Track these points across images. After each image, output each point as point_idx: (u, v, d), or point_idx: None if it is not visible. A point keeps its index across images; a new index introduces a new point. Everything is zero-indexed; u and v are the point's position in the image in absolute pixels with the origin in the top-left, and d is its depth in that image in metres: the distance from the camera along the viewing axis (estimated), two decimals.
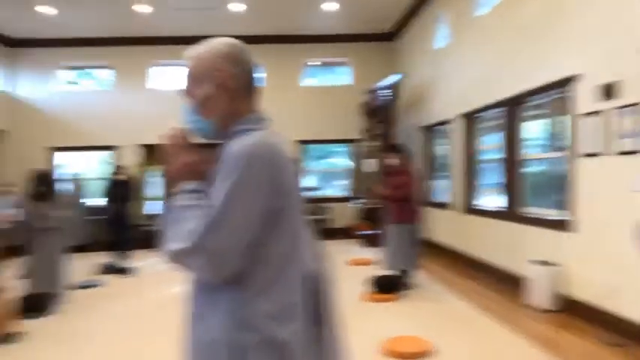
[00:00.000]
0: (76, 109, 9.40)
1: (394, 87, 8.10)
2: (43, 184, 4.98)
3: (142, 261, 7.31)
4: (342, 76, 10.24)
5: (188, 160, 1.20)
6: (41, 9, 7.71)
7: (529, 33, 4.90)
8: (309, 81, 10.07)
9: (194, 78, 1.24)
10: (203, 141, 1.28)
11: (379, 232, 5.37)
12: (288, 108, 9.34)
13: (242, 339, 1.09)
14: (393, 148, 5.40)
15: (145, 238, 8.46)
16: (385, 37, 9.79)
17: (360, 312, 4.41)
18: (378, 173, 8.09)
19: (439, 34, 7.79)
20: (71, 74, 9.92)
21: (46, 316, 4.62)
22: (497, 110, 5.68)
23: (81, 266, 6.86)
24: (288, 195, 1.14)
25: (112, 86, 9.62)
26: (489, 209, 5.90)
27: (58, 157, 9.46)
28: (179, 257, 1.07)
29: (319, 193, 9.63)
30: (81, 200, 8.52)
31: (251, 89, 1.25)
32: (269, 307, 1.11)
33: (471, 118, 6.38)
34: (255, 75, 1.26)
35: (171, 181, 1.21)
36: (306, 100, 9.66)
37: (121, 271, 6.62)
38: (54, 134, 9.27)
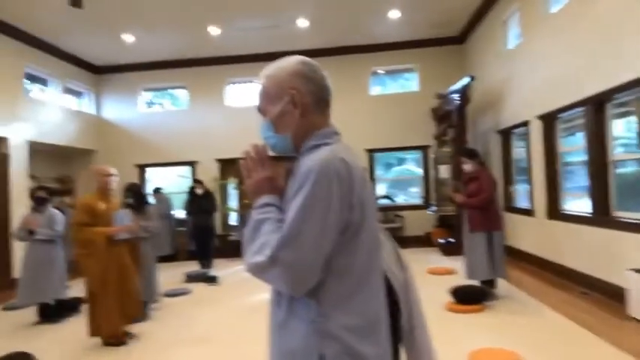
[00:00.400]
0: (156, 128, 10.01)
1: (464, 90, 7.90)
2: (132, 196, 5.28)
3: (225, 270, 7.59)
4: (410, 83, 10.13)
5: (265, 175, 1.25)
6: (124, 37, 8.31)
7: (607, 28, 4.61)
8: (376, 89, 10.06)
9: (268, 96, 1.29)
10: (279, 155, 1.33)
11: (456, 240, 5.21)
12: (357, 117, 9.37)
13: (321, 351, 1.11)
14: (466, 153, 5.23)
15: (227, 247, 8.86)
16: (453, 41, 9.59)
17: (443, 323, 4.31)
18: (451, 179, 7.91)
19: (510, 34, 7.53)
20: (151, 96, 10.58)
21: (142, 322, 4.90)
22: (578, 110, 5.37)
23: (169, 275, 7.26)
24: (363, 207, 1.15)
25: (189, 105, 10.13)
26: (576, 214, 5.56)
27: (144, 173, 10.09)
28: (257, 270, 1.11)
29: (391, 202, 9.55)
30: (167, 212, 9.01)
31: (323, 105, 1.28)
32: (348, 319, 1.13)
33: (549, 119, 6.08)
34: (326, 91, 1.29)
35: (250, 195, 1.26)
36: (375, 109, 9.65)
37: (205, 279, 6.91)
38: (138, 152, 9.91)
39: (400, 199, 10.02)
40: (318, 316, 1.12)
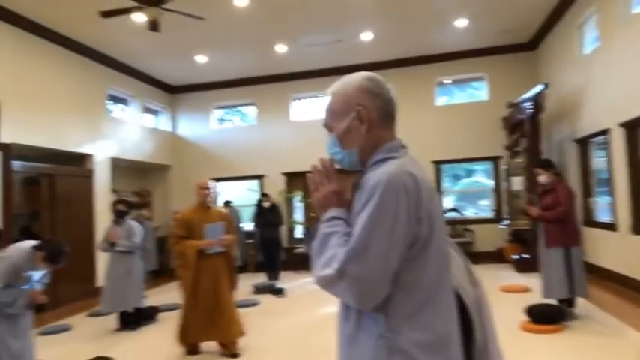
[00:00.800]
0: (227, 143, 10.41)
1: (537, 98, 7.53)
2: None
3: (292, 282, 7.69)
4: (479, 92, 9.84)
5: (333, 189, 1.26)
6: (197, 58, 8.75)
7: None
8: (442, 99, 9.86)
9: (334, 113, 1.31)
10: (346, 170, 1.34)
11: (531, 255, 4.93)
12: (423, 129, 9.20)
13: None
14: (541, 165, 4.95)
15: (293, 260, 8.99)
16: (524, 48, 9.20)
17: (518, 343, 4.08)
18: (525, 192, 7.56)
19: (586, 38, 7.12)
20: (222, 113, 11.04)
21: None
22: None
23: (240, 286, 7.45)
24: (431, 220, 1.14)
25: (257, 121, 10.46)
26: None
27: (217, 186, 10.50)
28: (325, 283, 1.13)
29: (459, 215, 9.26)
30: (237, 225, 9.30)
31: (389, 119, 1.29)
32: (417, 335, 1.11)
33: (633, 126, 5.65)
34: (392, 105, 1.30)
35: (317, 208, 1.27)
36: (442, 119, 9.44)
37: (272, 291, 7.03)
38: (210, 167, 10.32)
39: (469, 213, 9.69)
40: (387, 330, 1.11)
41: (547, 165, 4.88)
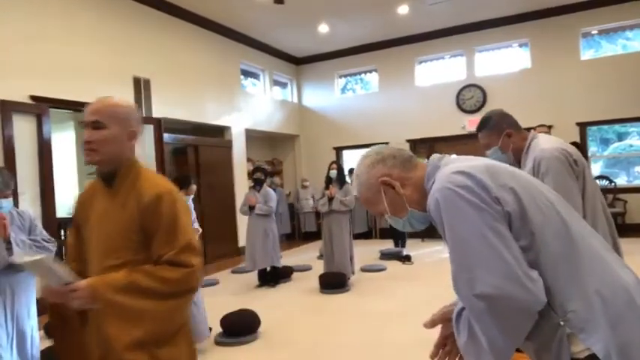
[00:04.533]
0: (350, 112, 10.50)
1: None
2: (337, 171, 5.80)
3: (417, 250, 7.66)
4: (631, 43, 8.57)
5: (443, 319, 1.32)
6: (320, 28, 8.85)
7: None
8: (589, 53, 8.78)
9: (370, 202, 1.32)
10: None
11: None
12: (567, 86, 8.33)
13: (586, 350, 1.00)
14: None
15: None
16: None
17: None
18: None
19: None
20: (344, 82, 11.12)
21: (339, 293, 5.31)
22: None
23: (365, 251, 7.64)
24: (513, 194, 1.06)
25: (379, 88, 10.35)
26: None
27: (341, 155, 10.74)
28: (482, 327, 1.03)
29: (610, 183, 8.31)
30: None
31: (407, 162, 1.28)
32: (577, 305, 1.01)
33: None
34: (399, 151, 1.31)
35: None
36: (588, 76, 8.39)
37: (399, 258, 7.06)
38: (334, 135, 10.55)
39: (621, 180, 8.63)
40: (559, 317, 1.02)
41: None
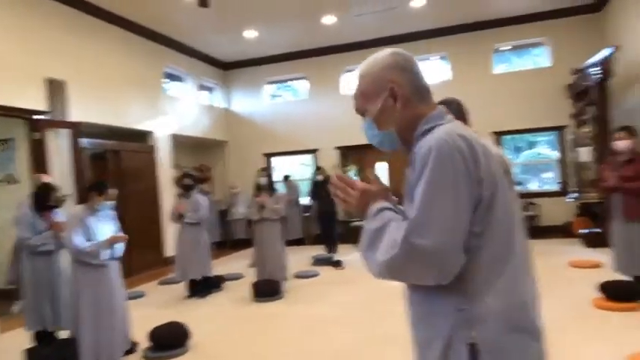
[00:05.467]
0: (280, 118, 10.49)
1: (605, 63, 7.07)
2: (266, 177, 5.77)
3: (349, 255, 7.76)
4: (538, 59, 9.35)
5: (358, 192, 1.23)
6: (246, 33, 8.76)
7: None
8: (501, 68, 9.46)
9: (365, 96, 1.26)
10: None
11: (602, 230, 4.63)
12: (480, 98, 8.84)
13: (471, 339, 1.06)
14: (627, 130, 4.56)
15: (350, 233, 9.03)
16: (588, 9, 8.62)
17: (593, 321, 3.95)
18: (593, 163, 7.19)
19: None
20: (274, 89, 11.09)
21: (272, 301, 5.24)
22: None
23: (298, 258, 7.64)
24: (493, 181, 1.09)
25: (309, 95, 10.44)
26: None
27: (271, 162, 10.67)
28: (393, 267, 1.07)
29: (523, 188, 8.95)
30: (295, 198, 9.47)
31: (423, 91, 1.24)
32: (494, 301, 1.07)
33: None
34: (422, 77, 1.25)
35: (358, 214, 1.23)
36: (500, 89, 9.04)
37: (331, 263, 7.13)
38: (264, 142, 10.48)
39: (533, 186, 9.35)
40: (464, 302, 1.08)
41: (632, 131, 4.49)
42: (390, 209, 1.18)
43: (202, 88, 10.38)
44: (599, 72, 7.11)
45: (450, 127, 1.14)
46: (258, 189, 5.68)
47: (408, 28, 8.89)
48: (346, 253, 7.86)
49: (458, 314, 1.08)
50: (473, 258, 1.07)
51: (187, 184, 5.82)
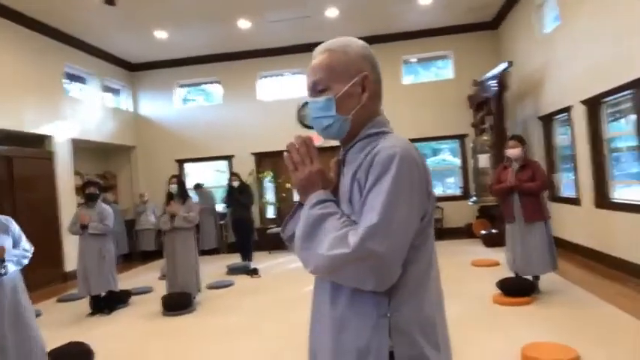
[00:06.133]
0: (193, 123, 10.16)
1: (501, 77, 7.71)
2: (177, 184, 5.47)
3: (265, 262, 7.70)
4: (443, 71, 9.96)
5: (317, 168, 1.16)
6: (156, 33, 8.42)
7: None
8: (409, 78, 9.93)
9: (333, 72, 1.19)
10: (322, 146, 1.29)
11: (499, 231, 5.03)
12: (390, 107, 8.94)
13: (392, 347, 1.06)
14: (517, 138, 4.95)
15: (266, 240, 8.96)
16: (487, 26, 9.36)
17: (492, 315, 4.25)
18: (491, 169, 7.76)
19: (547, 16, 7.30)
20: (185, 92, 10.74)
21: (184, 314, 5.04)
22: (625, 93, 5.17)
23: (213, 268, 7.43)
24: (433, 198, 1.14)
25: (223, 100, 10.23)
26: (628, 202, 5.37)
27: (184, 168, 10.29)
28: (335, 265, 1.03)
29: None
30: (209, 207, 9.21)
31: (380, 94, 1.25)
32: (414, 314, 1.09)
33: (594, 103, 5.87)
34: (381, 80, 1.26)
35: (299, 190, 1.18)
36: (408, 98, 9.49)
37: (246, 272, 7.01)
38: (176, 147, 10.09)
39: (437, 190, 9.90)
40: (390, 310, 1.07)
41: (520, 140, 4.93)
42: (334, 202, 1.14)
43: (108, 89, 9.78)
44: (496, 85, 7.72)
45: (402, 137, 1.14)
46: (169, 197, 5.44)
47: (322, 37, 8.58)
48: (262, 261, 7.80)
49: (381, 320, 1.07)
50: (406, 270, 1.07)
51: (91, 192, 5.43)
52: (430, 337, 1.10)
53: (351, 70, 1.19)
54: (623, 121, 5.72)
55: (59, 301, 6.18)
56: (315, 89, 1.21)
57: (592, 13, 5.66)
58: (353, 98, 1.19)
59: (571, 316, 4.07)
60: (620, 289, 4.76)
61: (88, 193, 5.42)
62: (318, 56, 1.23)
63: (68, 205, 7.58)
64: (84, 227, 5.23)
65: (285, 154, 1.16)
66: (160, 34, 8.52)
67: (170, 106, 10.35)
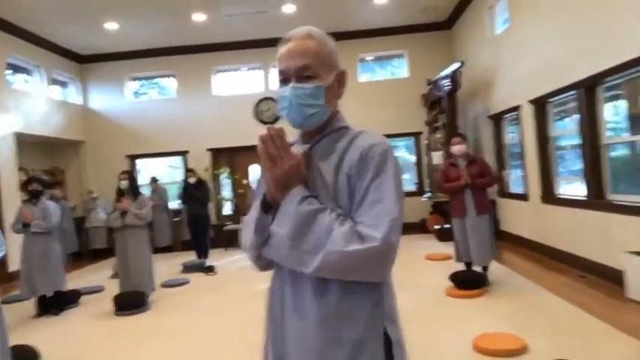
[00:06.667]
0: (146, 117, 9.86)
1: (454, 76, 7.92)
2: (127, 180, 5.32)
3: (221, 260, 7.58)
4: (398, 70, 10.13)
5: (296, 162, 1.10)
6: (106, 25, 8.12)
7: (599, 8, 4.62)
8: (365, 76, 10.04)
9: (322, 60, 1.18)
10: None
11: (451, 225, 5.20)
12: (347, 105, 9.13)
13: (386, 334, 1.13)
14: (459, 136, 5.17)
15: (222, 237, 8.84)
16: (441, 26, 9.58)
17: (445, 308, 4.38)
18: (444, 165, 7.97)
19: (497, 18, 7.57)
20: (138, 85, 10.41)
21: (137, 314, 4.90)
22: (570, 94, 5.44)
23: (167, 266, 7.26)
24: None
25: (177, 94, 9.99)
26: (571, 198, 5.66)
27: (136, 164, 9.98)
28: (354, 260, 1.01)
29: None
30: (163, 203, 8.99)
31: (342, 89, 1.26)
32: (392, 302, 1.18)
33: (541, 103, 6.14)
34: None
35: (277, 186, 1.10)
36: (364, 96, 9.57)
37: (202, 269, 6.90)
38: (128, 142, 9.77)
39: None
40: (379, 299, 1.13)
41: (465, 137, 5.18)
42: (315, 198, 1.10)
43: (55, 82, 9.34)
44: (449, 84, 7.91)
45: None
46: (120, 193, 5.26)
47: (279, 33, 8.53)
48: (218, 258, 7.69)
49: (375, 310, 1.11)
50: None
51: (35, 189, 5.17)
52: (398, 322, 1.18)
53: (332, 61, 1.19)
54: (567, 120, 6.01)
55: (3, 302, 5.83)
56: (301, 74, 1.15)
57: (540, 17, 5.90)
58: (332, 91, 1.19)
59: (519, 307, 4.24)
60: (563, 280, 5.01)
61: (31, 189, 5.17)
62: (301, 40, 1.17)
63: (11, 202, 7.19)
64: (26, 225, 4.99)
65: (259, 146, 1.08)
66: (111, 25, 8.21)
67: (122, 99, 10.00)
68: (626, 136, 4.82)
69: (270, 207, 1.14)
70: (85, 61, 9.88)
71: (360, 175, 1.09)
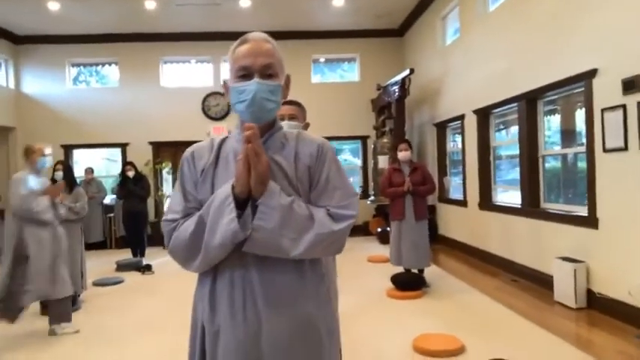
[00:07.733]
0: (84, 106, 9.36)
1: (403, 83, 8.09)
2: (62, 171, 5.05)
3: (159, 258, 7.30)
4: (348, 73, 10.22)
5: (267, 158, 1.16)
6: (49, 4, 7.65)
7: (543, 28, 4.88)
8: (316, 78, 10.05)
9: (279, 62, 1.28)
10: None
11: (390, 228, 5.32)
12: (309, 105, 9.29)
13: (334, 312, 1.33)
14: (405, 143, 5.31)
15: (160, 234, 8.49)
16: (393, 33, 9.77)
17: (386, 309, 4.43)
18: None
19: (448, 29, 7.80)
20: (77, 72, 9.87)
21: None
22: (511, 106, 5.69)
23: (99, 263, 6.90)
24: None
25: (119, 83, 9.56)
26: (507, 205, 5.92)
27: (71, 155, 9.44)
28: (339, 236, 1.20)
29: None
30: (101, 196, 8.56)
31: None
32: (333, 286, 1.41)
33: (484, 114, 6.39)
34: None
35: (258, 182, 1.13)
36: (316, 98, 9.48)
37: (138, 268, 6.62)
38: (63, 131, 9.22)
39: None
40: (326, 282, 1.30)
41: (410, 144, 5.30)
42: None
43: None
44: (398, 90, 8.06)
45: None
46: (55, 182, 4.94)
47: (233, 27, 8.73)
48: (156, 257, 7.40)
49: (324, 279, 1.27)
50: None
51: None
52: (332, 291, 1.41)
53: (283, 66, 1.30)
54: (504, 131, 6.29)
55: None
56: (265, 72, 1.22)
57: (488, 30, 6.14)
58: (283, 91, 1.29)
59: (457, 308, 4.38)
60: (497, 284, 5.23)
61: None
62: (262, 42, 1.26)
63: None
64: None
65: (249, 146, 1.11)
66: (53, 5, 7.72)
67: (59, 85, 9.44)
68: (558, 149, 5.10)
69: (245, 204, 1.15)
70: (20, 42, 9.25)
71: (320, 167, 1.24)
